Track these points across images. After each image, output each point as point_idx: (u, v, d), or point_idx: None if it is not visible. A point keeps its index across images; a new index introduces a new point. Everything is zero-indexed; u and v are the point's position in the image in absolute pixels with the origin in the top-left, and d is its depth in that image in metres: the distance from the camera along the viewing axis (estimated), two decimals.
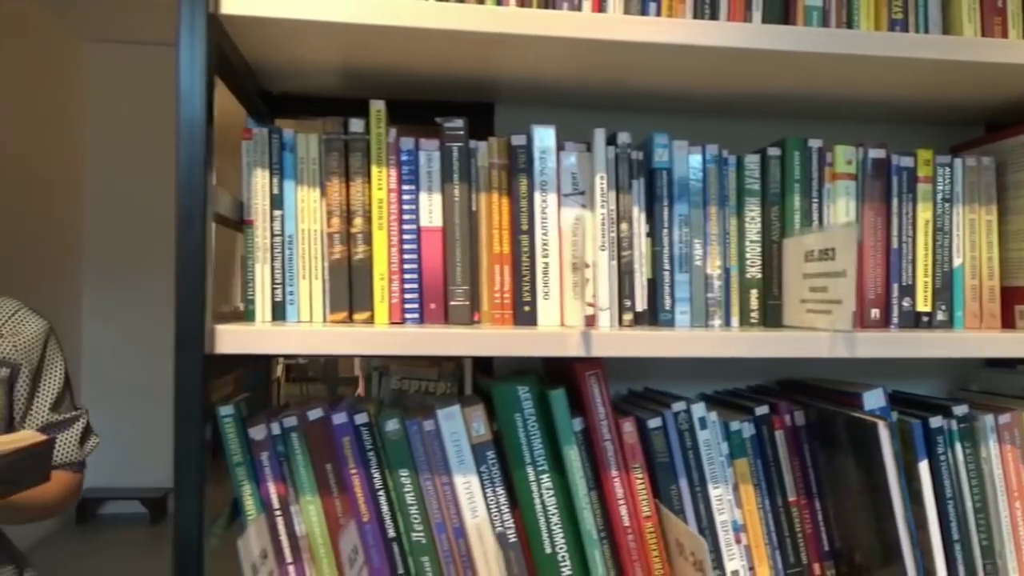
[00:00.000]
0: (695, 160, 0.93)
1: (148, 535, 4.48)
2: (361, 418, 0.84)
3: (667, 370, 1.14)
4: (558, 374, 0.96)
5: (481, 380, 0.99)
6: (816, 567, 0.94)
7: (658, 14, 0.91)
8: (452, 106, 1.06)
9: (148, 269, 4.92)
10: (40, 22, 4.34)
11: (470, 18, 0.79)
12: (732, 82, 0.97)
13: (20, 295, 4.01)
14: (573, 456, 0.85)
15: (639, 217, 0.91)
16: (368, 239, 0.86)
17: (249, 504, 0.82)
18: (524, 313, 0.88)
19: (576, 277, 0.88)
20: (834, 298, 0.81)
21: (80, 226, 4.77)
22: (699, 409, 0.90)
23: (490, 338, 0.76)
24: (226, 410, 0.82)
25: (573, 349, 0.77)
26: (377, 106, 0.86)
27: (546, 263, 0.89)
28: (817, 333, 0.83)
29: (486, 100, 1.06)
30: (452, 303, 0.88)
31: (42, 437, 0.90)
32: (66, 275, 4.59)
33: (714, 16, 0.91)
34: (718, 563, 0.89)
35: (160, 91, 5.00)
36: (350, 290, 0.86)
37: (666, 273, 0.92)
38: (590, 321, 0.79)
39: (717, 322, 0.93)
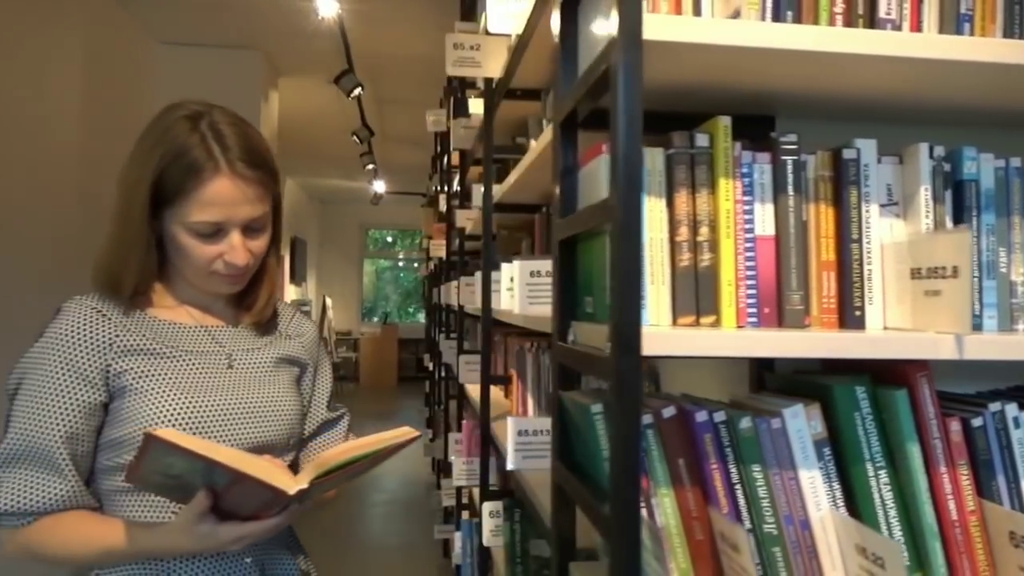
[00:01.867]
0: (999, 172, 0.98)
1: None
2: (719, 416, 0.89)
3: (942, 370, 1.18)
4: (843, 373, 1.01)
5: (801, 378, 1.03)
6: None
7: (971, 33, 0.96)
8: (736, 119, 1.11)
9: None
10: (119, 22, 4.39)
11: (817, 38, 0.83)
12: None
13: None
14: (915, 453, 0.90)
15: (951, 227, 0.96)
16: (714, 247, 0.91)
17: None
18: (854, 317, 0.94)
19: (901, 284, 0.93)
20: None
21: None
22: (1012, 409, 0.95)
23: (889, 342, 0.82)
24: (596, 407, 0.87)
25: (946, 352, 0.82)
26: (724, 122, 0.91)
27: (870, 270, 0.95)
28: None
29: (766, 113, 1.11)
30: (788, 307, 0.93)
31: (414, 433, 0.95)
32: None
33: None
34: None
35: (222, 93, 5.06)
36: (696, 295, 0.91)
37: (975, 280, 0.97)
38: (961, 327, 0.83)
39: (1021, 326, 0.98)
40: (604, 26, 0.89)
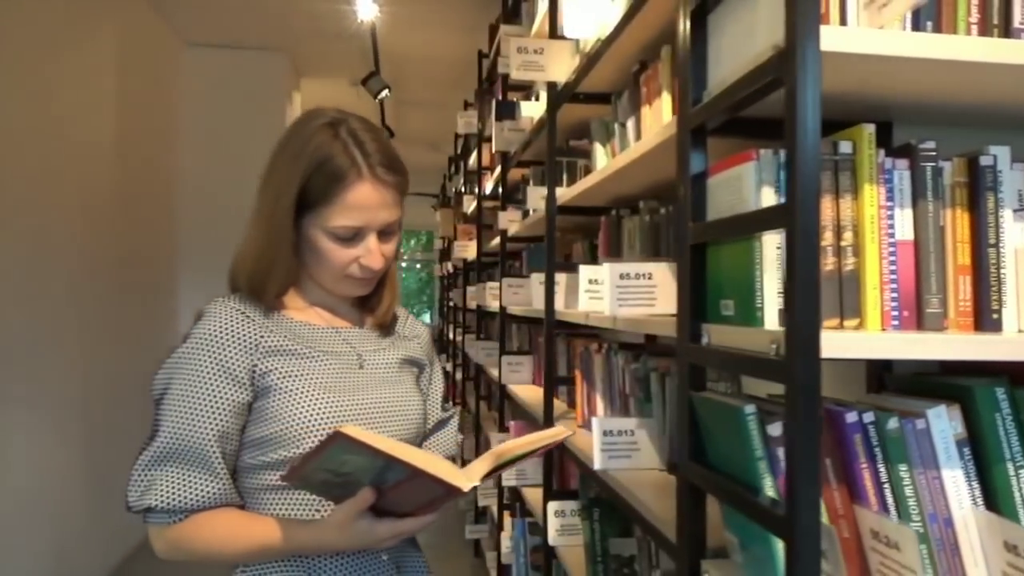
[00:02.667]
0: None
1: None
2: (868, 416, 0.91)
3: None
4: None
5: (928, 380, 1.05)
6: None
7: None
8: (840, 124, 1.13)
9: None
10: (150, 24, 4.41)
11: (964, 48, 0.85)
12: None
13: (122, 295, 4.07)
14: None
15: None
16: (857, 251, 0.94)
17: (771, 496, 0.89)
18: (991, 320, 0.96)
19: None
20: None
21: (174, 227, 4.84)
22: None
23: None
24: (749, 409, 0.90)
25: None
26: (868, 129, 0.93)
27: (1004, 273, 0.97)
28: None
29: (883, 119, 1.13)
30: (928, 310, 0.95)
31: (568, 432, 0.97)
32: (162, 275, 4.66)
33: None
34: None
35: (249, 94, 5.07)
36: (840, 298, 0.93)
37: None
38: None
39: None
40: (758, 36, 0.91)
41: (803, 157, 0.76)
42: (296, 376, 1.02)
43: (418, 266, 13.56)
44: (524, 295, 3.05)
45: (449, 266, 7.16)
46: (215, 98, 5.00)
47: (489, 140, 4.12)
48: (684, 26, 1.07)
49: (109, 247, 3.73)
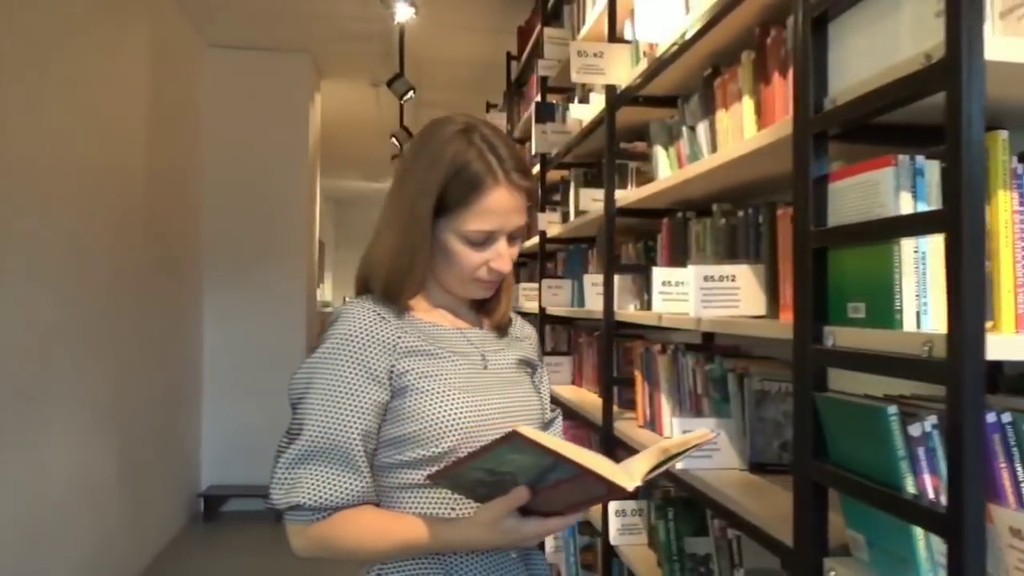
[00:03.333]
0: None
1: (273, 532, 4.56)
2: (1007, 417, 0.93)
3: None
4: None
5: None
6: None
7: None
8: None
9: (260, 271, 5.00)
10: (178, 25, 4.41)
11: None
12: None
13: (152, 296, 4.07)
14: None
15: None
16: (992, 255, 0.95)
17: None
18: None
19: None
20: None
21: (199, 227, 4.84)
22: None
23: None
24: (892, 409, 0.91)
25: None
26: (1002, 136, 0.95)
27: None
28: None
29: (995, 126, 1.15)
30: None
31: (711, 436, 0.99)
32: (188, 276, 4.67)
33: None
34: None
35: (271, 95, 5.07)
36: None
37: None
38: None
39: None
40: (900, 45, 0.93)
41: (969, 164, 0.78)
42: (432, 376, 1.04)
43: None
44: (563, 296, 3.08)
45: None
46: (237, 99, 5.00)
47: (519, 142, 4.14)
48: (803, 34, 1.08)
49: (140, 249, 3.74)
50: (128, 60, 3.58)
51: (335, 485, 0.99)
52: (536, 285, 3.69)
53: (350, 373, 1.01)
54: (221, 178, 4.92)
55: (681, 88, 1.95)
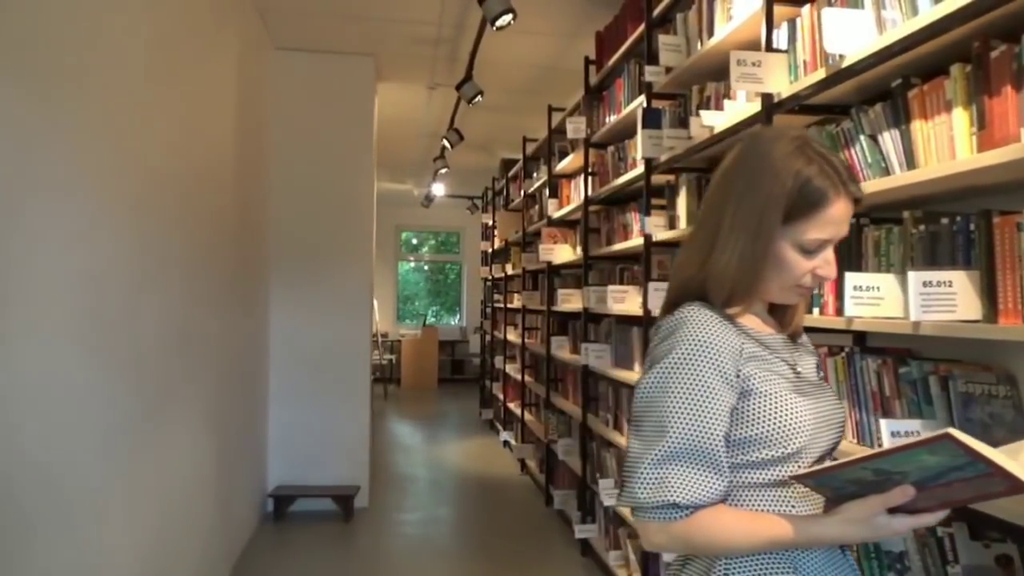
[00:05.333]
0: None
1: (342, 532, 4.59)
2: None
3: None
4: None
5: None
6: None
7: None
8: None
9: (325, 272, 5.02)
10: (255, 30, 4.44)
11: None
12: None
13: (237, 298, 4.09)
14: None
15: None
16: None
17: None
18: None
19: None
20: None
21: (267, 228, 4.86)
22: None
23: None
24: None
25: None
26: None
27: None
28: None
29: None
30: None
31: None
32: (260, 277, 4.69)
33: None
34: None
35: (337, 97, 5.10)
36: None
37: None
38: None
39: None
40: None
41: None
42: (771, 379, 1.09)
43: (426, 267, 13.59)
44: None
45: (507, 269, 7.21)
46: (302, 101, 5.03)
47: (597, 146, 4.18)
48: None
49: (231, 251, 3.76)
50: (221, 67, 3.60)
51: (703, 485, 1.04)
52: (624, 288, 3.74)
53: (709, 377, 1.05)
54: (287, 179, 4.95)
55: (851, 97, 2.00)
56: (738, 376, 1.07)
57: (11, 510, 1.67)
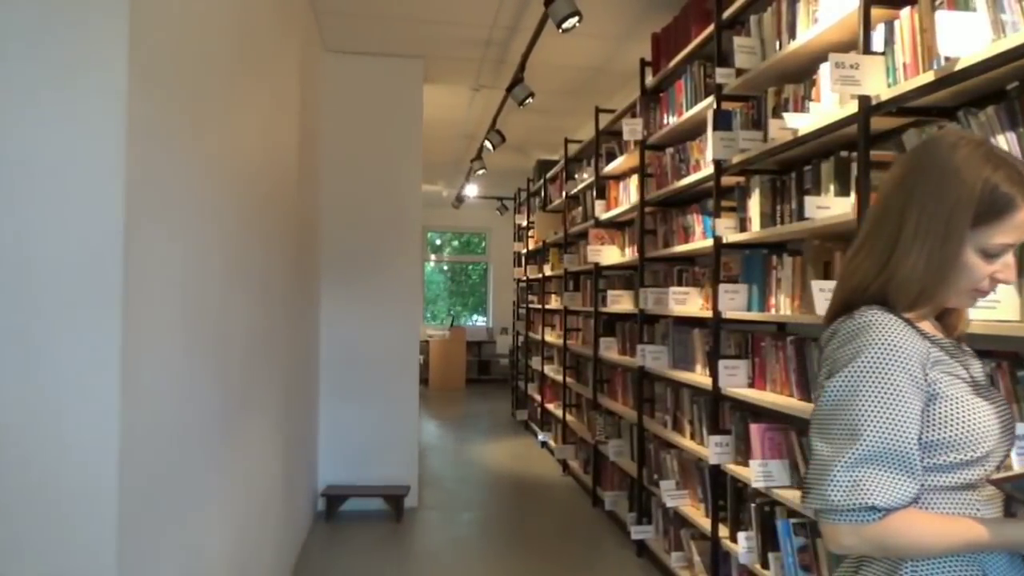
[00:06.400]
0: None
1: (395, 532, 4.61)
2: None
3: None
4: None
5: None
6: None
7: None
8: None
9: (374, 274, 5.05)
10: (312, 34, 4.47)
11: None
12: None
13: (297, 300, 4.11)
14: None
15: None
16: None
17: None
18: None
19: None
20: None
21: (319, 231, 4.90)
22: None
23: None
24: None
25: None
26: None
27: None
28: None
29: None
30: None
31: None
32: (311, 275, 4.72)
33: None
34: None
35: (383, 99, 5.12)
36: None
37: None
38: None
39: None
40: None
41: None
42: (956, 384, 1.10)
43: (446, 268, 13.61)
44: (740, 300, 3.13)
45: (546, 269, 7.21)
46: (352, 104, 5.06)
47: (654, 148, 4.19)
48: None
49: (293, 254, 3.79)
50: (287, 72, 3.63)
51: (899, 488, 1.05)
52: (686, 290, 3.75)
53: (900, 381, 1.06)
54: (337, 182, 4.98)
55: (947, 100, 2.00)
56: (926, 380, 1.08)
57: (134, 491, 1.69)
